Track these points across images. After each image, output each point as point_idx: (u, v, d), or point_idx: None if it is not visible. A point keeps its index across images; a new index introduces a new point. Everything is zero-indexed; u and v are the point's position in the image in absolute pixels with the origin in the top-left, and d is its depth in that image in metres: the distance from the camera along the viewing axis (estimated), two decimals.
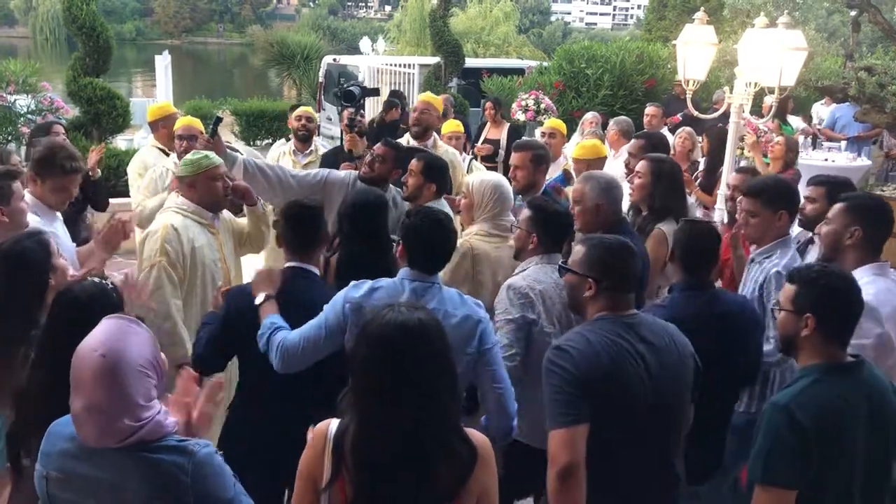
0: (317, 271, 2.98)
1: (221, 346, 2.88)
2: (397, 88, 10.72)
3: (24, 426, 1.92)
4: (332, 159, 5.02)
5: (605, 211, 3.45)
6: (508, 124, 7.85)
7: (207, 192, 3.51)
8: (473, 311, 2.64)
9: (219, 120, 3.89)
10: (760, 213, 3.31)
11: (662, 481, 2.42)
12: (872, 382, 2.27)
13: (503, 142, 7.52)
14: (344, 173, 4.15)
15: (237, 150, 4.05)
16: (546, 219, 3.08)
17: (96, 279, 2.20)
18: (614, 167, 5.36)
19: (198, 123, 4.81)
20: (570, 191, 4.71)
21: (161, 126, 5.13)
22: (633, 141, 4.50)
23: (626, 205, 3.93)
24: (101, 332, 1.79)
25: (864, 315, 2.39)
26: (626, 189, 3.92)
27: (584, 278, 2.44)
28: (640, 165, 3.86)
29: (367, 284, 2.65)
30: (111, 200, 5.52)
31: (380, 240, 3.24)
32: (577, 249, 2.53)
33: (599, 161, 4.96)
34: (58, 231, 3.38)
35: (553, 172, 5.49)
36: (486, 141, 7.67)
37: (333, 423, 1.90)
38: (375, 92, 4.98)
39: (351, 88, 4.66)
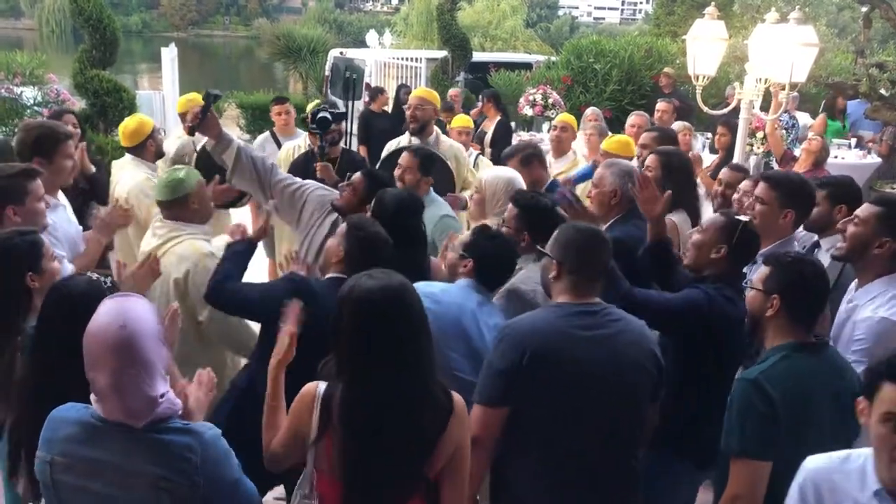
0: None
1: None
2: (404, 82, 10.69)
3: (25, 427, 1.91)
4: (303, 165, 4.72)
5: (622, 197, 3.49)
6: (498, 118, 7.83)
7: (204, 203, 3.40)
8: None
9: (215, 97, 3.52)
10: (769, 204, 3.21)
11: (614, 476, 2.40)
12: (837, 363, 2.39)
13: (489, 135, 7.54)
14: (326, 193, 3.77)
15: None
16: (536, 218, 3.05)
17: (91, 275, 2.18)
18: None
19: (198, 99, 4.58)
20: (582, 186, 4.69)
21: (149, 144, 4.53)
22: (644, 133, 4.47)
23: None
24: (110, 309, 1.80)
25: (888, 332, 2.53)
26: None
27: (551, 260, 2.48)
28: (650, 159, 3.83)
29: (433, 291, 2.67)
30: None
31: (414, 241, 3.15)
32: (553, 234, 2.58)
33: (628, 158, 4.93)
34: (59, 218, 3.31)
35: (561, 167, 5.46)
36: (480, 131, 7.65)
37: (321, 385, 2.01)
38: (342, 117, 4.68)
39: (324, 115, 4.40)
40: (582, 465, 2.35)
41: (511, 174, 3.72)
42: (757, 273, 2.49)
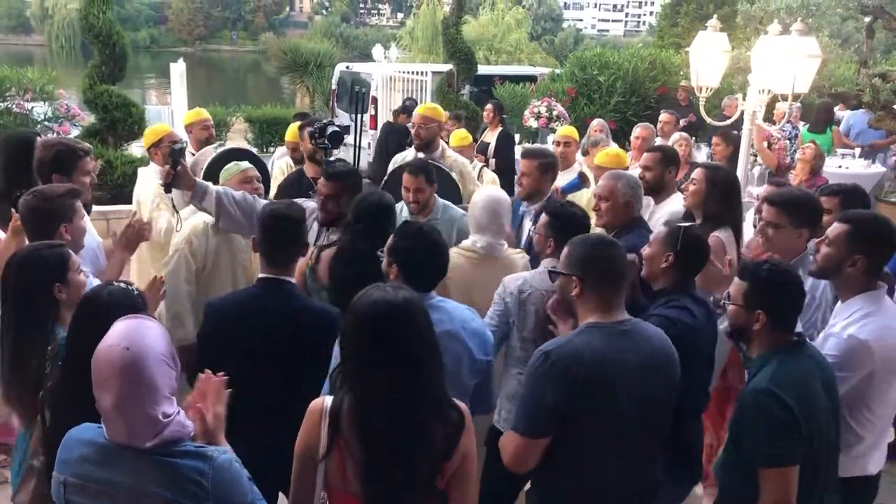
0: (293, 281, 2.87)
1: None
2: (410, 96, 10.76)
3: (58, 433, 1.94)
4: (295, 185, 4.64)
5: (633, 207, 3.57)
6: (500, 129, 7.77)
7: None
8: (483, 327, 2.75)
9: (178, 151, 3.61)
10: (783, 226, 3.17)
11: (640, 486, 2.44)
12: (815, 354, 2.49)
13: (492, 145, 7.50)
14: (313, 204, 3.79)
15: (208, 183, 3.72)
16: (562, 224, 3.09)
17: (121, 284, 2.22)
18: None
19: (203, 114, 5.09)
20: (581, 194, 4.72)
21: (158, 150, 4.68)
22: (646, 154, 4.40)
23: (667, 210, 4.10)
24: (118, 330, 1.82)
25: (855, 350, 2.59)
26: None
27: (569, 277, 2.45)
28: (696, 173, 3.80)
29: None
30: (121, 207, 5.58)
31: (382, 241, 3.18)
32: (563, 251, 2.55)
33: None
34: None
35: (567, 179, 5.50)
36: (480, 143, 7.63)
37: (327, 400, 2.01)
38: (347, 130, 4.63)
39: (336, 129, 4.21)
40: (616, 489, 2.37)
41: (490, 194, 3.58)
42: (735, 286, 2.52)
